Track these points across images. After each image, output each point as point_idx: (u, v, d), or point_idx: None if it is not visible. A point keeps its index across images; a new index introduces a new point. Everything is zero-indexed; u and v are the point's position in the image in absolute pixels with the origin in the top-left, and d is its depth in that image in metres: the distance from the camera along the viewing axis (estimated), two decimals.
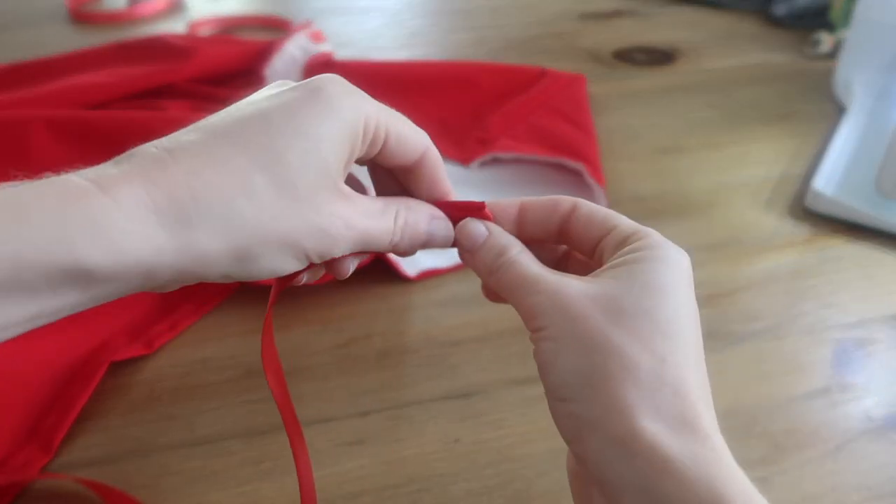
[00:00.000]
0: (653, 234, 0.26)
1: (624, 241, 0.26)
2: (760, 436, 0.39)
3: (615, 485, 0.22)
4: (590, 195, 0.57)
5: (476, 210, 0.27)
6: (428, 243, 0.28)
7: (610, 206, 0.56)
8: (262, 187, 0.23)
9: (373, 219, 0.26)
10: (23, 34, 0.94)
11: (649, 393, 0.22)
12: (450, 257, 0.51)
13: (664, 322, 0.24)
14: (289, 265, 0.24)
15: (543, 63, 0.78)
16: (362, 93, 0.25)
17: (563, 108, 0.67)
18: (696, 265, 0.54)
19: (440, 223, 0.28)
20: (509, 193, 0.59)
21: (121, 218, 0.20)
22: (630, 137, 0.69)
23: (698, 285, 0.52)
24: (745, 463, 0.37)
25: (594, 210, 0.27)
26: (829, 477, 0.37)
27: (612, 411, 0.22)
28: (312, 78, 0.25)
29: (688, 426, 0.22)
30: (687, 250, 0.56)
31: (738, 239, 0.55)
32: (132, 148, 0.24)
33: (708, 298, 0.49)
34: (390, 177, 0.29)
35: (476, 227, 0.27)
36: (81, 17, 1.00)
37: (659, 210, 0.58)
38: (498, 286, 0.26)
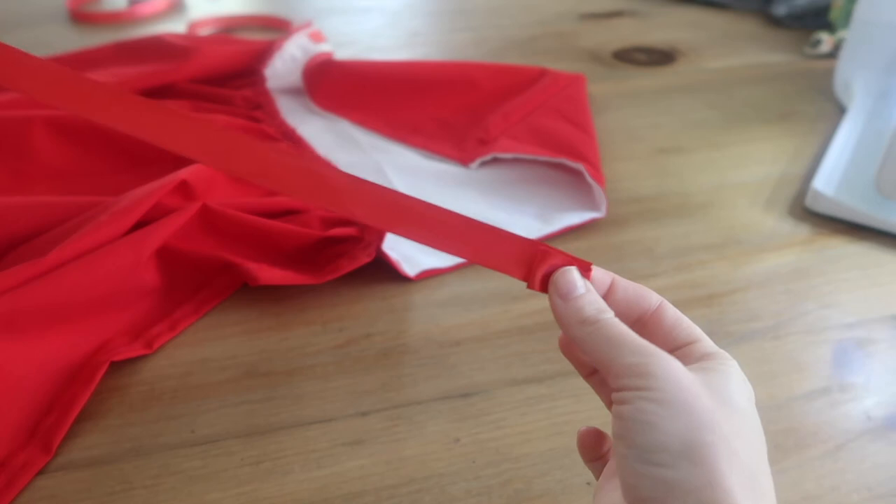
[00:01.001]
0: (733, 361, 0.27)
1: (706, 356, 0.26)
2: None
3: None
4: (590, 195, 0.57)
5: (582, 267, 0.27)
6: None
7: (610, 206, 0.56)
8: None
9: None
10: (23, 34, 0.94)
11: (748, 485, 0.23)
12: (449, 258, 0.51)
13: (757, 428, 0.25)
14: None
15: (543, 63, 0.78)
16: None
17: (563, 107, 0.67)
18: (696, 265, 0.54)
19: None
20: (509, 193, 0.58)
21: None
22: (630, 137, 0.69)
23: (699, 285, 0.52)
24: None
25: (680, 317, 0.28)
26: (830, 477, 0.37)
27: (716, 487, 0.22)
28: None
29: None
30: (687, 250, 0.56)
31: (737, 239, 0.55)
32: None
33: (708, 298, 0.49)
34: None
35: (578, 278, 0.27)
36: (81, 17, 1.00)
37: (659, 210, 0.58)
38: (593, 338, 0.26)
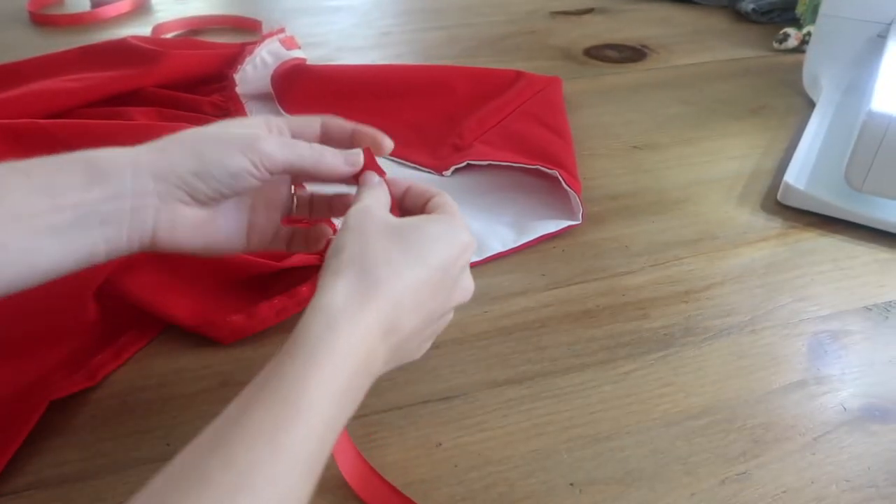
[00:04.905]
0: (446, 217, 0.34)
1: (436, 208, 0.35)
2: (740, 430, 0.39)
3: None
4: (566, 199, 0.56)
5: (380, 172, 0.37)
6: (346, 157, 0.36)
7: (585, 203, 0.56)
8: (212, 129, 0.35)
9: (295, 141, 0.36)
10: None
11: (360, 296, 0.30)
12: None
13: (420, 280, 0.32)
14: (238, 162, 0.33)
15: (515, 61, 0.78)
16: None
17: (538, 111, 0.67)
18: (672, 261, 0.54)
19: (352, 150, 0.37)
20: (484, 201, 0.57)
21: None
22: (604, 135, 0.70)
23: (675, 281, 0.52)
24: (727, 458, 0.38)
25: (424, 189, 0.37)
26: (808, 469, 0.37)
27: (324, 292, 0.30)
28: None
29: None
30: (663, 247, 0.56)
31: (712, 234, 0.55)
32: None
33: (685, 294, 0.49)
34: None
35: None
36: (42, 20, 0.97)
37: (634, 207, 0.59)
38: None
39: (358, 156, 0.37)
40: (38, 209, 0.29)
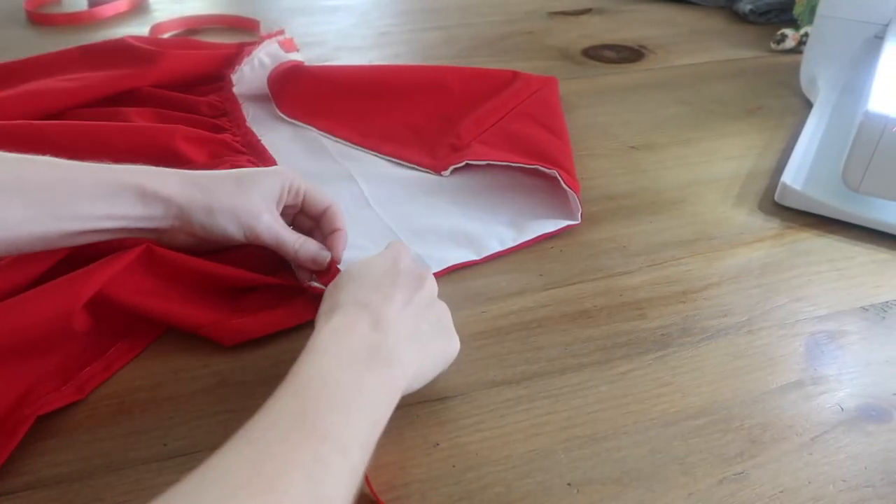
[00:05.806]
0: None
1: None
2: (737, 430, 0.39)
3: None
4: (564, 199, 0.56)
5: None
6: (315, 258, 0.46)
7: (583, 203, 0.56)
8: (232, 188, 0.45)
9: (285, 229, 0.46)
10: None
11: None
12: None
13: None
14: (233, 230, 0.44)
15: (513, 61, 0.78)
16: (295, 172, 0.47)
17: (536, 112, 0.67)
18: (669, 262, 0.54)
19: (324, 253, 0.47)
20: (483, 201, 0.58)
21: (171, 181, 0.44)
22: (601, 135, 0.70)
23: (672, 282, 0.52)
24: (724, 458, 0.38)
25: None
26: (805, 469, 0.37)
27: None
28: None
29: None
30: (660, 247, 0.56)
31: (709, 235, 0.55)
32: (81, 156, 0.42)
33: (682, 294, 0.49)
34: (311, 225, 0.50)
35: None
36: (39, 19, 0.97)
37: (631, 207, 0.59)
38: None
39: (326, 261, 0.46)
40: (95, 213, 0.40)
